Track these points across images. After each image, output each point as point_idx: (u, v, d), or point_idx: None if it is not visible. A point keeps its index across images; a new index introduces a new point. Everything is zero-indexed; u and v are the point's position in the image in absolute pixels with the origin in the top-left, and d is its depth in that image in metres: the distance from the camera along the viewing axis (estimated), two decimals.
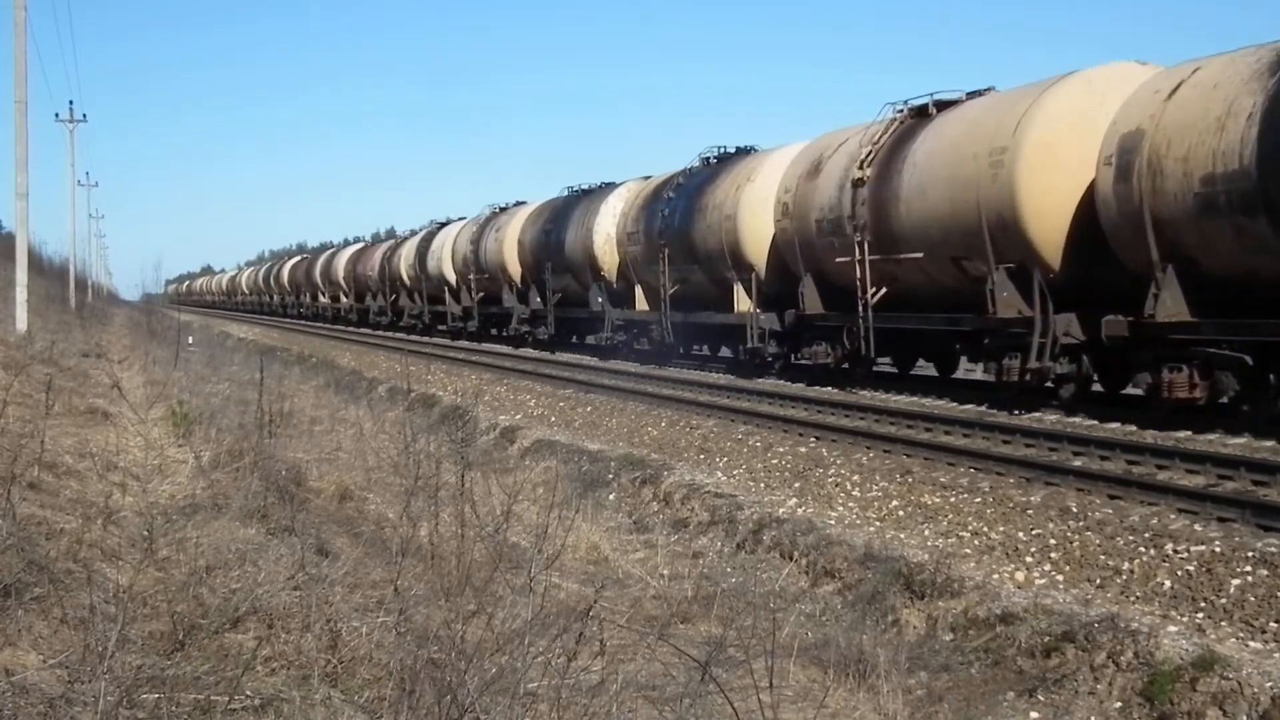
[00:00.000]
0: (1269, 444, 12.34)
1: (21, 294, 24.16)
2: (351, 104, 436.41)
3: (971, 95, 18.69)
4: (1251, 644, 7.35)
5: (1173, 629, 7.49)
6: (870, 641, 7.86)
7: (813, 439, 15.49)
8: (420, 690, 4.74)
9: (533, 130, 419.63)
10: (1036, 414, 15.86)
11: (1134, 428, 14.13)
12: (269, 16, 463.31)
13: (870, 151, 19.32)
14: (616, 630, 7.46)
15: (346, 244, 68.98)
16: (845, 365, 20.90)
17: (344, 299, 62.28)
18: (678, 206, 26.05)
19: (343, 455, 13.04)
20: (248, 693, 4.74)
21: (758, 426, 16.87)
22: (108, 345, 26.80)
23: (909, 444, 14.32)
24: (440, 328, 45.54)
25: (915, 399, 18.39)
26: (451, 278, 43.11)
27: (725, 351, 27.64)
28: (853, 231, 19.46)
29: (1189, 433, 13.51)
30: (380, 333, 50.62)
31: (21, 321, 23.37)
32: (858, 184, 19.32)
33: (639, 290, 28.37)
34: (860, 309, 19.47)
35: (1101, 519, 10.12)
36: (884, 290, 19.26)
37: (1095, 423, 14.72)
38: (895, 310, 19.22)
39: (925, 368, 22.31)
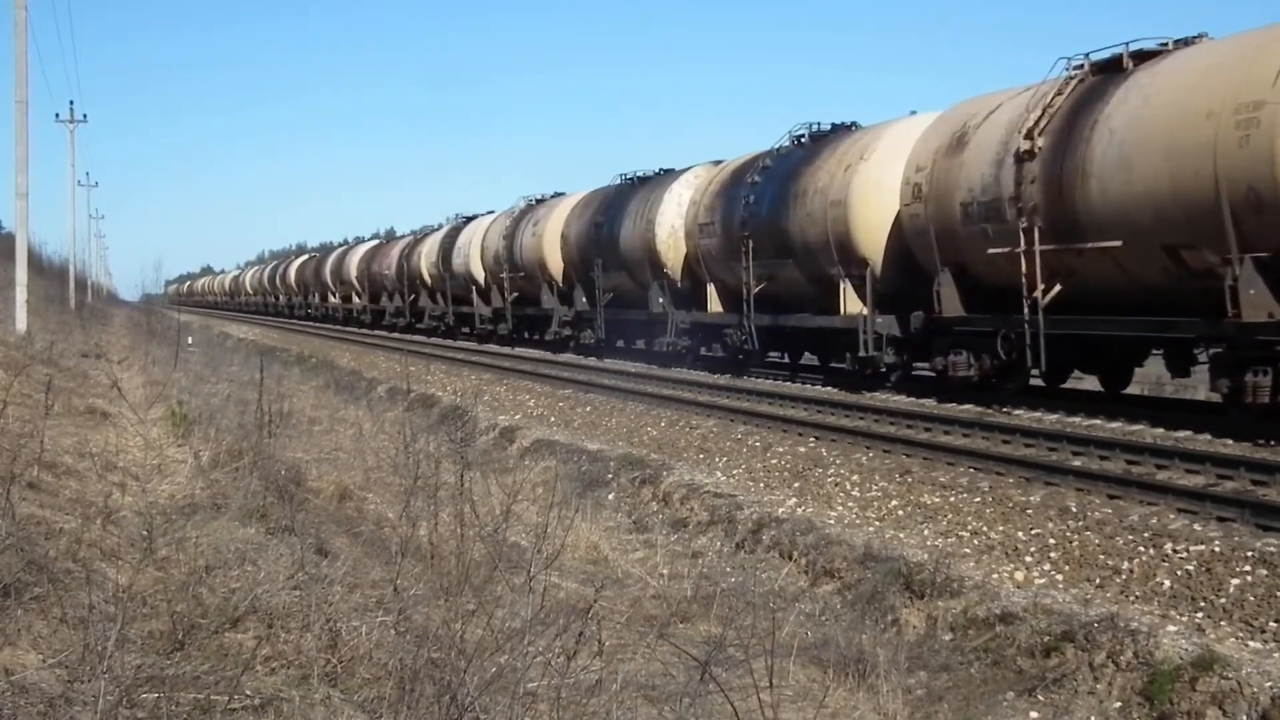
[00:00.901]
0: (1271, 444, 12.35)
1: (21, 294, 24.16)
2: (351, 104, 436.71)
3: (1180, 44, 15.13)
4: (1251, 644, 7.35)
5: (1172, 629, 7.49)
6: (870, 641, 7.86)
7: (812, 439, 15.49)
8: (420, 690, 4.74)
9: (533, 130, 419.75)
10: None
11: (1139, 426, 14.11)
12: (269, 16, 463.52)
13: (1041, 117, 15.79)
14: (616, 630, 7.47)
15: (360, 241, 64.39)
16: (993, 378, 17.35)
17: (357, 299, 59.12)
18: (765, 192, 22.45)
19: (342, 455, 13.05)
20: (247, 692, 4.74)
21: (757, 426, 16.87)
22: (107, 345, 26.80)
23: (908, 444, 14.32)
24: (465, 331, 42.88)
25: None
26: (480, 276, 39.93)
27: (808, 358, 24.77)
28: (1016, 217, 16.01)
29: (1189, 432, 13.51)
30: (395, 336, 47.62)
31: (21, 322, 23.36)
32: (1023, 157, 15.91)
33: (711, 289, 25.04)
34: (1025, 310, 16.07)
35: (1101, 519, 10.12)
36: (1058, 288, 15.78)
37: (1097, 422, 14.72)
38: (1068, 313, 15.78)
39: (1079, 380, 19.36)
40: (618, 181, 31.13)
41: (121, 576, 5.88)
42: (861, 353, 19.55)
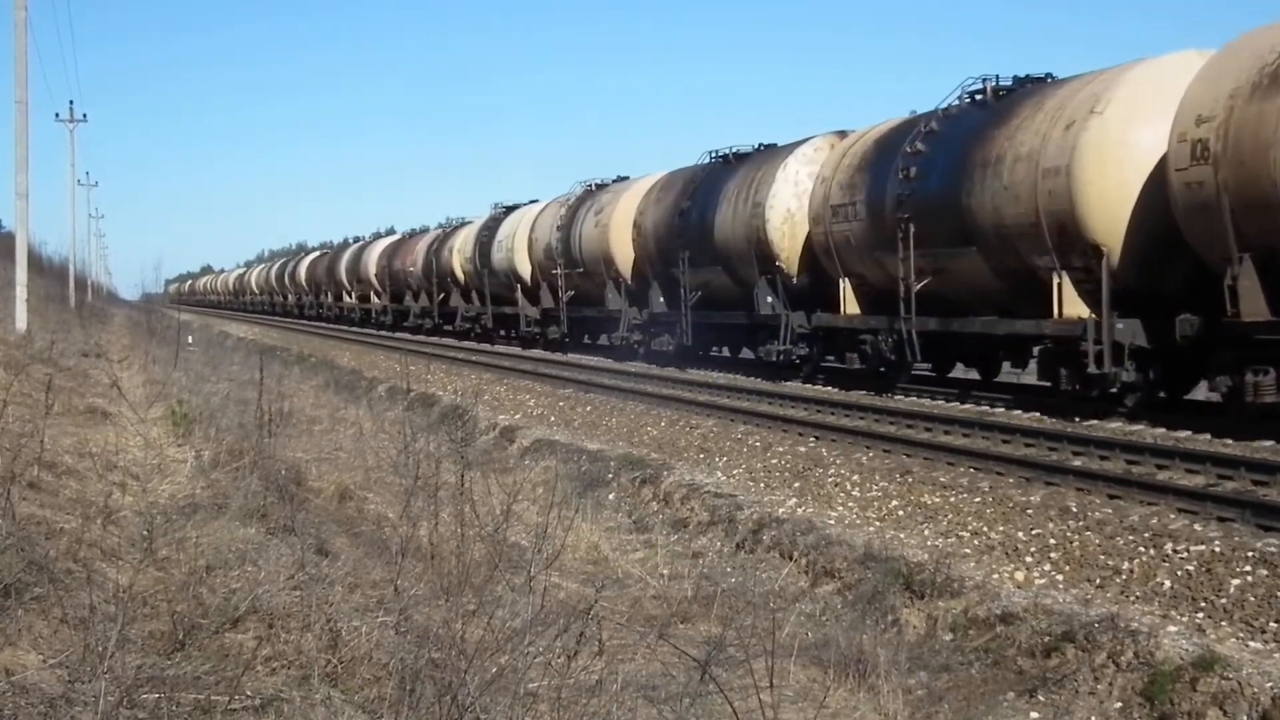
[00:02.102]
0: (1269, 444, 12.34)
1: (21, 293, 24.16)
2: (351, 104, 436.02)
3: None
4: (1251, 644, 7.35)
5: (1173, 629, 7.49)
6: (870, 641, 7.86)
7: (812, 439, 15.49)
8: (420, 690, 4.74)
9: (533, 130, 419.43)
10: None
11: (1139, 426, 14.12)
12: (269, 16, 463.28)
13: None
14: (616, 630, 7.47)
15: (377, 236, 58.53)
16: None
17: (376, 299, 54.48)
18: (934, 163, 17.87)
19: (342, 455, 13.05)
20: (248, 692, 4.74)
21: (757, 426, 16.87)
22: (107, 345, 26.81)
23: (909, 444, 14.31)
24: (504, 334, 38.72)
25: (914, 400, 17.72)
26: (526, 273, 35.30)
27: (957, 368, 21.01)
28: None
29: (1189, 432, 13.51)
30: (420, 338, 44.25)
31: (21, 321, 23.36)
32: None
33: (846, 286, 20.40)
34: None
35: (1101, 519, 10.12)
36: None
37: (1096, 421, 14.72)
38: None
39: None
40: (706, 160, 26.40)
41: (122, 576, 5.88)
42: (1091, 368, 14.84)
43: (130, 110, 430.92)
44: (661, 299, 27.08)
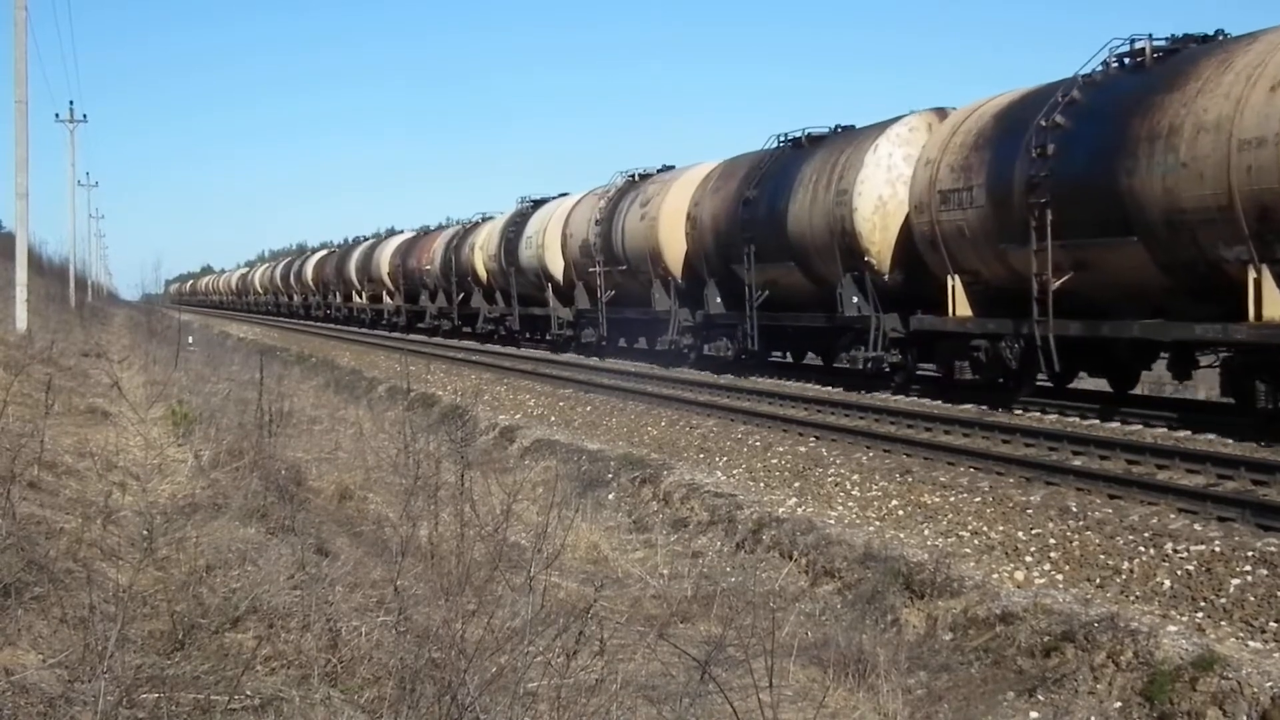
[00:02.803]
0: (1268, 444, 12.34)
1: (21, 294, 24.17)
2: (352, 104, 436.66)
3: None
4: (1251, 644, 7.35)
5: (1172, 629, 7.49)
6: (870, 641, 7.86)
7: (812, 438, 15.49)
8: (420, 690, 4.74)
9: (533, 130, 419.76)
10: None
11: (1137, 426, 14.12)
12: (269, 16, 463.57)
13: None
14: (616, 630, 7.47)
15: (392, 233, 55.19)
16: None
17: (389, 299, 51.85)
18: (1078, 138, 15.01)
19: (342, 455, 13.06)
20: (248, 692, 4.74)
21: (757, 426, 16.86)
22: (107, 345, 26.81)
23: (909, 443, 14.31)
24: (531, 337, 36.42)
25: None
26: (558, 271, 32.58)
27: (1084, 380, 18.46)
28: None
29: (1189, 432, 13.50)
30: (436, 341, 41.83)
31: (21, 321, 23.37)
32: None
33: (956, 285, 17.25)
34: None
35: (1101, 519, 10.12)
36: None
37: (1096, 422, 14.72)
38: None
39: None
40: (774, 144, 23.37)
41: (122, 576, 5.88)
42: None
43: (130, 110, 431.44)
44: (719, 299, 24.13)
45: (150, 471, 9.43)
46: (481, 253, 39.07)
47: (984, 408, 16.57)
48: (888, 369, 19.23)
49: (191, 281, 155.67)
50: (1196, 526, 9.56)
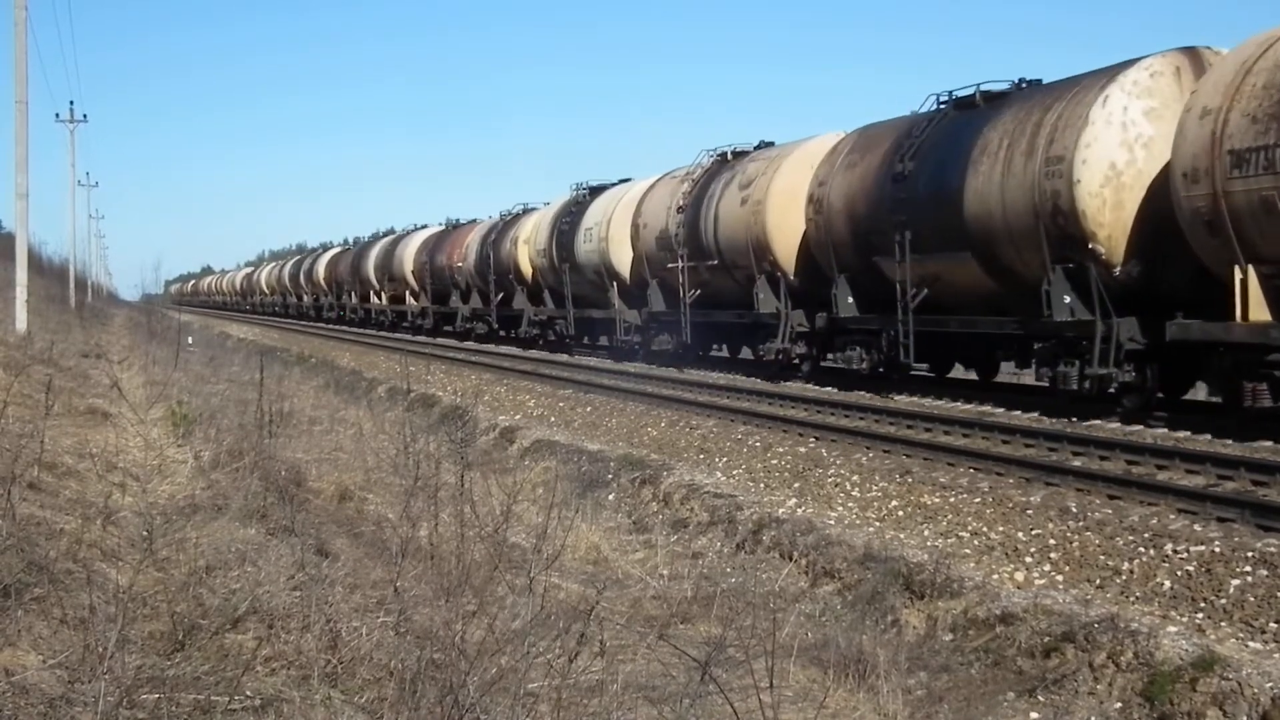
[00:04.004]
0: (1268, 444, 12.34)
1: (21, 294, 24.17)
2: (351, 104, 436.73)
3: None
4: (1251, 644, 7.35)
5: (1172, 629, 7.49)
6: (870, 641, 7.86)
7: (812, 439, 15.49)
8: (421, 690, 4.74)
9: (533, 130, 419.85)
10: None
11: (1138, 426, 14.13)
12: (269, 16, 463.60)
13: None
14: (616, 630, 7.48)
15: (415, 228, 50.66)
16: None
17: (412, 300, 47.41)
18: None
19: (342, 455, 13.06)
20: (248, 693, 4.74)
21: (757, 426, 16.86)
22: (107, 345, 26.81)
23: (909, 444, 14.31)
24: (584, 342, 32.52)
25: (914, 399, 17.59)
26: (625, 266, 28.44)
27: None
28: None
29: (1189, 433, 13.50)
30: (469, 345, 37.94)
31: (21, 322, 23.37)
32: None
33: (1251, 280, 12.80)
34: None
35: (1101, 519, 10.12)
36: None
37: (1097, 422, 14.71)
38: None
39: None
40: (930, 107, 18.85)
41: (122, 577, 5.88)
42: None
43: (130, 110, 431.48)
44: (850, 298, 19.87)
45: (150, 472, 9.43)
46: (527, 247, 34.63)
47: (987, 408, 16.52)
48: (1114, 390, 14.87)
49: (193, 281, 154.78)
50: (1196, 527, 9.56)
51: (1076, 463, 12.38)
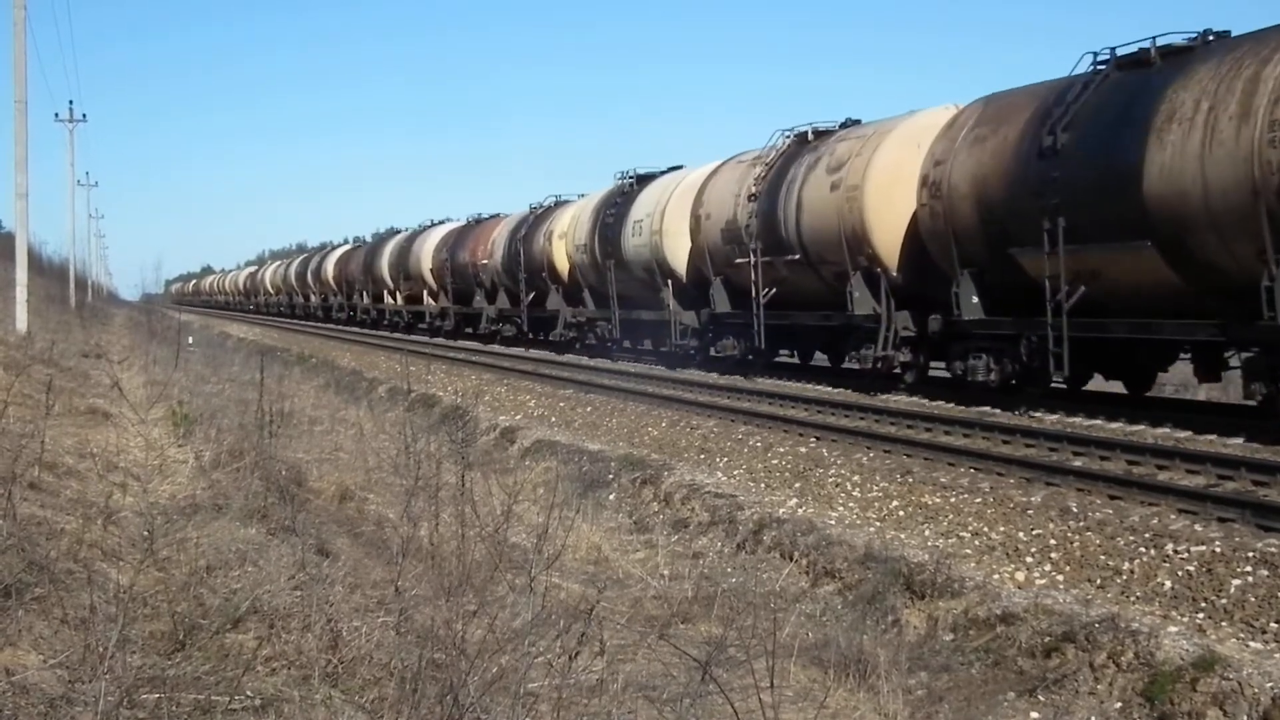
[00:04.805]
0: (1265, 444, 12.34)
1: (21, 294, 24.19)
2: (351, 104, 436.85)
3: None
4: (1252, 644, 7.35)
5: (1173, 629, 7.49)
6: (870, 641, 7.87)
7: (813, 439, 15.49)
8: (421, 690, 4.74)
9: (533, 130, 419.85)
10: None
11: (1140, 426, 14.12)
12: (269, 16, 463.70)
13: None
14: (617, 630, 7.48)
15: (433, 223, 47.12)
16: None
17: (430, 300, 44.79)
18: None
19: (343, 455, 13.06)
20: (248, 693, 4.74)
21: (758, 426, 16.86)
22: (108, 345, 26.81)
23: (909, 444, 14.31)
24: (629, 345, 29.05)
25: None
26: (681, 263, 25.55)
27: None
28: None
29: (1189, 433, 13.50)
30: (496, 349, 35.74)
31: (21, 321, 23.39)
32: None
33: None
34: None
35: (1102, 519, 10.12)
36: None
37: (1098, 422, 14.71)
38: None
39: None
40: (1091, 68, 15.22)
41: (122, 577, 5.87)
42: None
43: (130, 110, 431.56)
44: (975, 298, 16.67)
45: (151, 472, 9.43)
46: (564, 242, 31.67)
47: (986, 408, 16.50)
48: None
49: (194, 281, 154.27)
50: (1197, 527, 9.56)
51: (1077, 463, 12.37)
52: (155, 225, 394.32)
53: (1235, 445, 12.51)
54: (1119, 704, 6.93)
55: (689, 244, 25.17)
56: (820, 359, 23.94)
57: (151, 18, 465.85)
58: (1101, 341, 15.38)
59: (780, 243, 21.15)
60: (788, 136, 22.34)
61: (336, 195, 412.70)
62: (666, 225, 25.81)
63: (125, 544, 6.83)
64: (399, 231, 53.02)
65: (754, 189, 22.10)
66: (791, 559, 10.40)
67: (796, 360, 24.68)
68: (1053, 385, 16.51)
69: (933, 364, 18.84)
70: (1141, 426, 14.16)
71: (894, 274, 18.64)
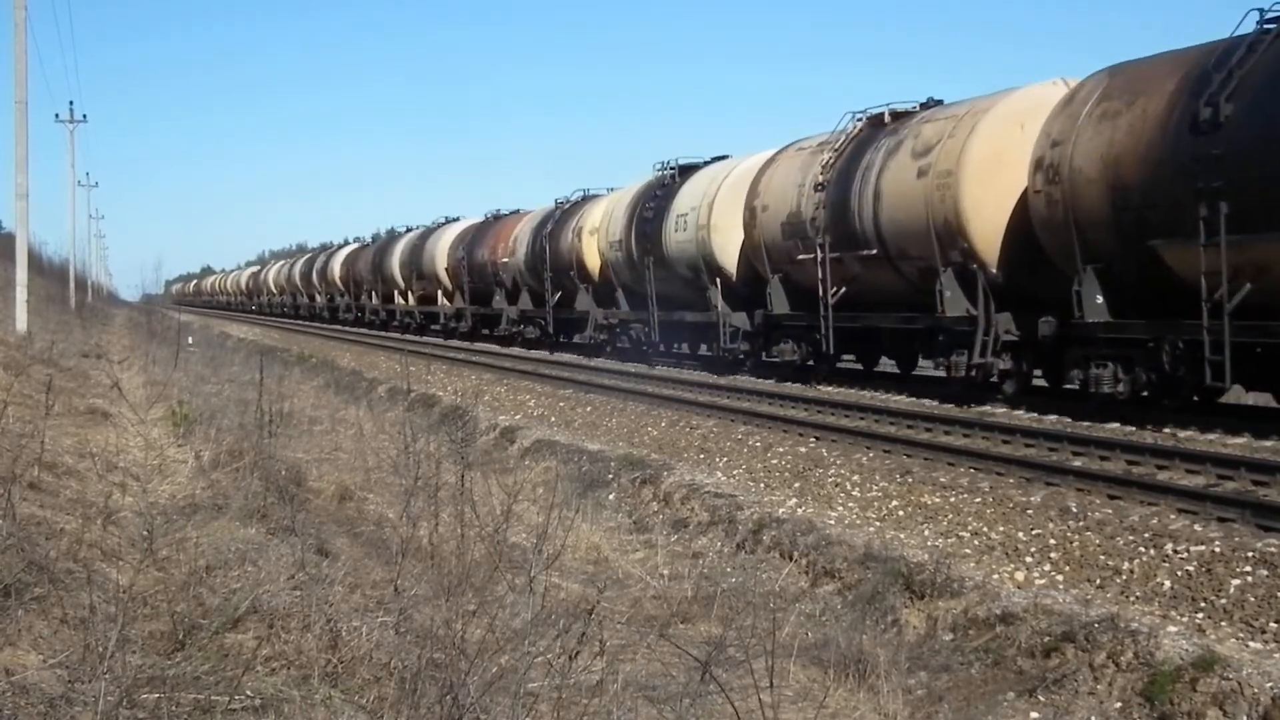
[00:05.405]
0: (1269, 444, 12.34)
1: (21, 294, 24.19)
2: (351, 104, 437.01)
3: None
4: (1252, 644, 7.35)
5: (1173, 629, 7.49)
6: (870, 641, 7.86)
7: (813, 439, 15.49)
8: (421, 690, 4.74)
9: (533, 130, 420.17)
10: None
11: (1134, 428, 14.12)
12: (269, 16, 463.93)
13: None
14: (617, 630, 7.48)
15: (449, 220, 44.76)
16: None
17: (445, 301, 42.67)
18: None
19: (343, 455, 13.07)
20: (248, 693, 4.74)
21: (758, 426, 16.86)
22: (108, 345, 26.82)
23: (909, 444, 14.31)
24: (667, 350, 27.21)
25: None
26: (731, 260, 23.60)
27: None
28: None
29: (1190, 433, 13.50)
30: (515, 352, 33.69)
31: (21, 322, 23.39)
32: None
33: None
34: None
35: (1101, 519, 10.12)
36: None
37: (1097, 422, 14.71)
38: None
39: None
40: (1257, 28, 12.90)
41: (122, 577, 5.87)
42: None
43: (130, 110, 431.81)
44: (1099, 298, 14.58)
45: (150, 472, 9.44)
46: (595, 238, 29.51)
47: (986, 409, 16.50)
48: None
49: (195, 281, 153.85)
50: (1196, 527, 9.56)
51: (1077, 463, 12.37)
52: (155, 225, 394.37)
53: (1235, 445, 12.51)
54: (1119, 704, 6.93)
55: (741, 239, 23.09)
56: (885, 364, 22.24)
57: (151, 18, 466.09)
58: (1273, 349, 13.01)
59: (853, 236, 18.98)
60: (859, 119, 19.95)
61: (336, 195, 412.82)
62: (715, 219, 23.58)
63: (125, 544, 6.83)
64: (407, 230, 51.00)
65: (821, 178, 19.96)
66: (791, 559, 10.40)
67: (860, 367, 22.50)
68: (1195, 398, 14.57)
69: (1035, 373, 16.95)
70: (1146, 428, 14.15)
71: (993, 270, 16.48)
